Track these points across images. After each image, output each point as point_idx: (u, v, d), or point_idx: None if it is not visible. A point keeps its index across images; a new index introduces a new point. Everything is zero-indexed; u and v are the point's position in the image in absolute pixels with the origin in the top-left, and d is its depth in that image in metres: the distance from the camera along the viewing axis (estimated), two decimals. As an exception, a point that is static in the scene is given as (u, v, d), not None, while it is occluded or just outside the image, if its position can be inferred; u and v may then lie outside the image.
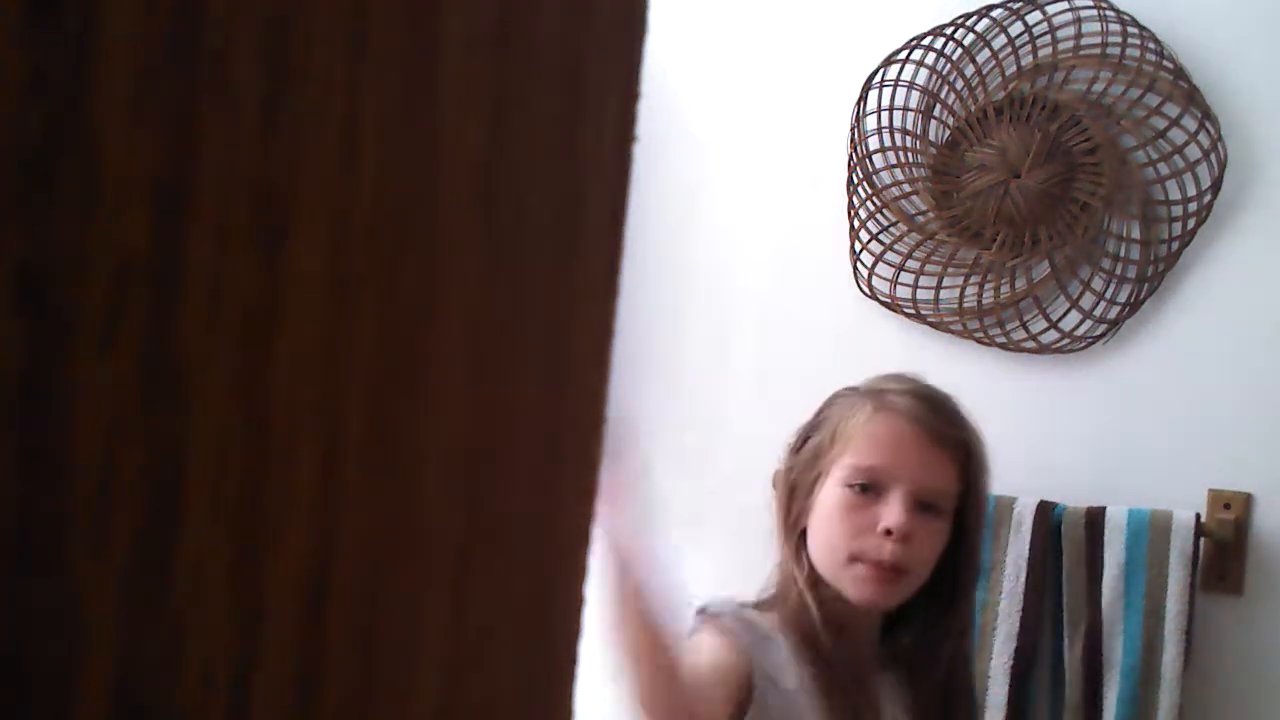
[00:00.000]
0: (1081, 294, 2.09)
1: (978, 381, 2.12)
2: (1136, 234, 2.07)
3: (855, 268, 2.20)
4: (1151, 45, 2.06)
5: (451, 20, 0.27)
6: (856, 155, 2.21)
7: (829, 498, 1.51)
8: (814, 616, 1.48)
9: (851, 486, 1.50)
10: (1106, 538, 1.95)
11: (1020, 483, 2.02)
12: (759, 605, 1.55)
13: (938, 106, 2.17)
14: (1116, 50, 2.08)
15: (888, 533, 1.46)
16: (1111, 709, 1.92)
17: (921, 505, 1.49)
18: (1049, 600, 1.98)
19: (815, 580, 1.50)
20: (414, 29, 0.27)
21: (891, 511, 1.47)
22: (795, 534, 1.54)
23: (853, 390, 1.60)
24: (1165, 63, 2.06)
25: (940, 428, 1.52)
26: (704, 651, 1.46)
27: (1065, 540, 1.98)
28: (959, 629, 1.57)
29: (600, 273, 0.31)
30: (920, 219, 2.18)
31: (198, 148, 0.24)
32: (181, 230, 0.24)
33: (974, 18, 2.15)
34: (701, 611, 1.51)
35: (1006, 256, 2.12)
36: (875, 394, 1.55)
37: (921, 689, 1.53)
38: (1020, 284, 2.13)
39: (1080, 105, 2.09)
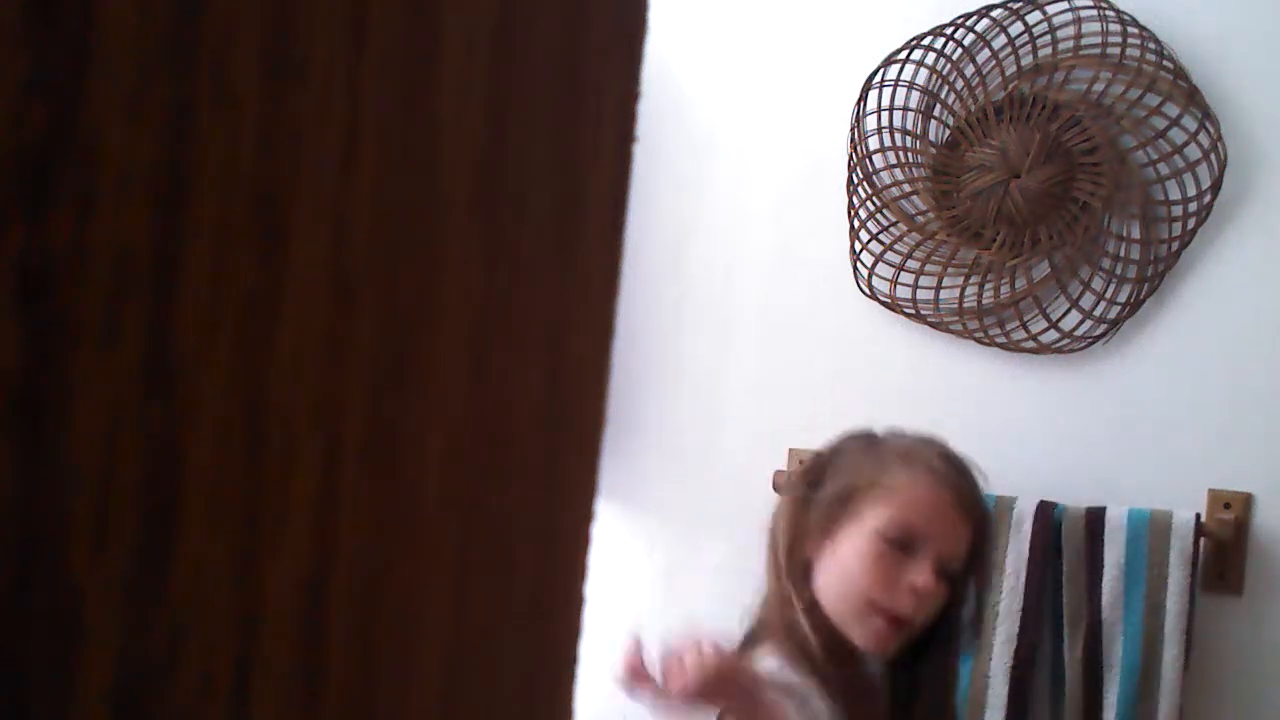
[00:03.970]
0: (1081, 294, 2.09)
1: (978, 381, 2.12)
2: (1136, 234, 2.07)
3: (855, 268, 2.20)
4: (1151, 45, 2.06)
5: (451, 20, 0.27)
6: (856, 155, 2.21)
7: (858, 544, 1.52)
8: (815, 647, 1.50)
9: (888, 539, 1.51)
10: (1106, 538, 1.95)
11: (1020, 483, 2.02)
12: (755, 637, 1.55)
13: (938, 106, 2.17)
14: (1116, 50, 2.08)
15: (914, 591, 1.49)
16: (1111, 709, 1.92)
17: (940, 569, 1.52)
18: (1049, 600, 1.98)
19: (815, 612, 1.51)
20: (414, 29, 0.27)
21: (922, 573, 1.51)
22: (799, 565, 1.54)
23: (872, 439, 1.60)
24: (1165, 63, 2.06)
25: (972, 500, 1.58)
26: None
27: (1065, 540, 1.98)
28: (944, 683, 1.60)
29: (600, 273, 0.31)
30: (920, 219, 2.18)
31: (197, 147, 0.24)
32: (181, 230, 0.24)
33: (974, 18, 2.15)
34: None
35: (1006, 256, 2.12)
36: (918, 456, 1.57)
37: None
38: (1020, 284, 2.13)
39: (1080, 105, 2.09)
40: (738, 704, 1.42)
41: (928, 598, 1.51)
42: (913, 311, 2.17)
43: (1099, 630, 1.94)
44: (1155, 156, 2.06)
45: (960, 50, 2.16)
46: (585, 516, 0.31)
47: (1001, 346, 2.13)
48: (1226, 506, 1.97)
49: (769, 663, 1.50)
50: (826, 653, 1.49)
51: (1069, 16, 2.11)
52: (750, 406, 2.25)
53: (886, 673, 1.56)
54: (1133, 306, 2.06)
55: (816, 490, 1.57)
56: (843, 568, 1.52)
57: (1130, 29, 2.07)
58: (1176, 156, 2.05)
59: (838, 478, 1.57)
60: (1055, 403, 2.09)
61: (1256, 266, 2.01)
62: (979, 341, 2.14)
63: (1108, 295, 2.07)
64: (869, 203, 2.20)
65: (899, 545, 1.51)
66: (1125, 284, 2.07)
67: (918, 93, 2.19)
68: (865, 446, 1.60)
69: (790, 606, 1.52)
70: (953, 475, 1.56)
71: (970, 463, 1.60)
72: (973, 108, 2.14)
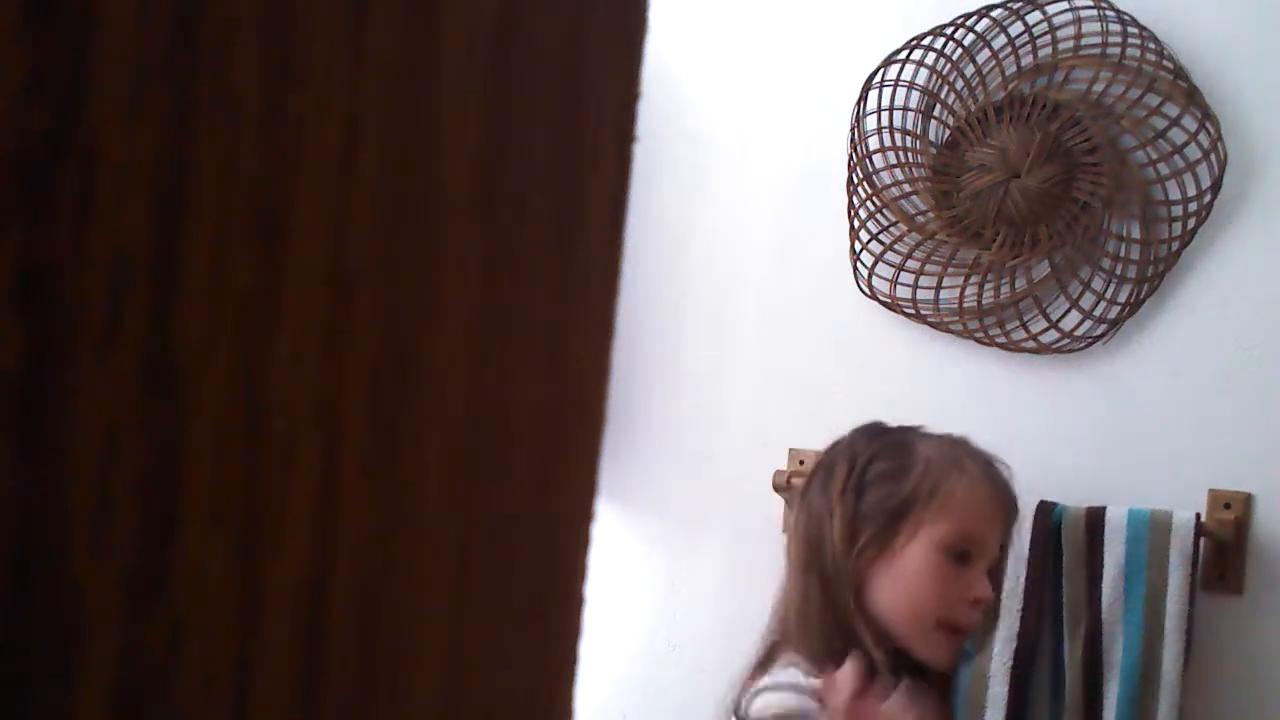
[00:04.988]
0: (1081, 294, 2.09)
1: (978, 381, 2.12)
2: (1136, 234, 2.07)
3: (855, 268, 2.20)
4: (1151, 45, 2.06)
5: (451, 20, 0.27)
6: (856, 155, 2.21)
7: (922, 559, 1.49)
8: (881, 665, 1.47)
9: (951, 552, 1.50)
10: (1106, 538, 1.95)
11: (1020, 482, 2.01)
12: (775, 648, 1.53)
13: (938, 106, 2.17)
14: (1116, 50, 2.08)
15: (976, 602, 1.50)
16: (1111, 709, 1.92)
17: (987, 572, 1.54)
18: (1049, 600, 1.98)
19: (876, 628, 1.49)
20: (414, 29, 0.27)
21: (980, 583, 1.51)
22: (853, 581, 1.51)
23: (898, 440, 1.57)
24: (1165, 63, 2.06)
25: (1012, 498, 1.59)
26: None
27: (1065, 540, 1.98)
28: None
29: (600, 273, 0.31)
30: (920, 219, 2.18)
31: (197, 147, 0.24)
32: (181, 230, 0.24)
33: (974, 18, 2.15)
34: None
35: (1006, 256, 2.12)
36: (959, 458, 1.55)
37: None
38: (1020, 284, 2.13)
39: (1080, 105, 2.09)
40: None
41: (986, 606, 1.53)
42: (913, 311, 2.17)
43: (1099, 630, 1.94)
44: (1155, 156, 2.06)
45: (960, 50, 2.16)
46: (585, 516, 0.31)
47: (1001, 346, 2.13)
48: (1226, 506, 1.97)
49: (787, 698, 1.47)
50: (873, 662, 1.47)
51: (1069, 16, 2.11)
52: (750, 406, 2.24)
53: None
54: (1133, 306, 2.06)
55: (861, 500, 1.53)
56: (908, 585, 1.49)
57: (1130, 29, 2.07)
58: (1176, 156, 2.05)
59: (884, 486, 1.52)
60: (1055, 403, 2.09)
61: (1256, 266, 2.01)
62: (979, 341, 2.14)
63: (1108, 295, 2.07)
64: (869, 203, 2.20)
65: (959, 557, 1.50)
66: (1125, 284, 2.07)
67: (918, 93, 2.19)
68: (900, 449, 1.55)
69: (853, 632, 1.48)
70: (997, 476, 1.57)
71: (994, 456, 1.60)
72: (973, 108, 2.14)
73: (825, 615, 1.49)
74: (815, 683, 1.45)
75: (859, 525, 1.51)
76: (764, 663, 1.52)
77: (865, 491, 1.52)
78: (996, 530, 1.55)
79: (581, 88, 0.30)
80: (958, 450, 1.56)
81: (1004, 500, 1.56)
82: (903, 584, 1.49)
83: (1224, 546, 1.96)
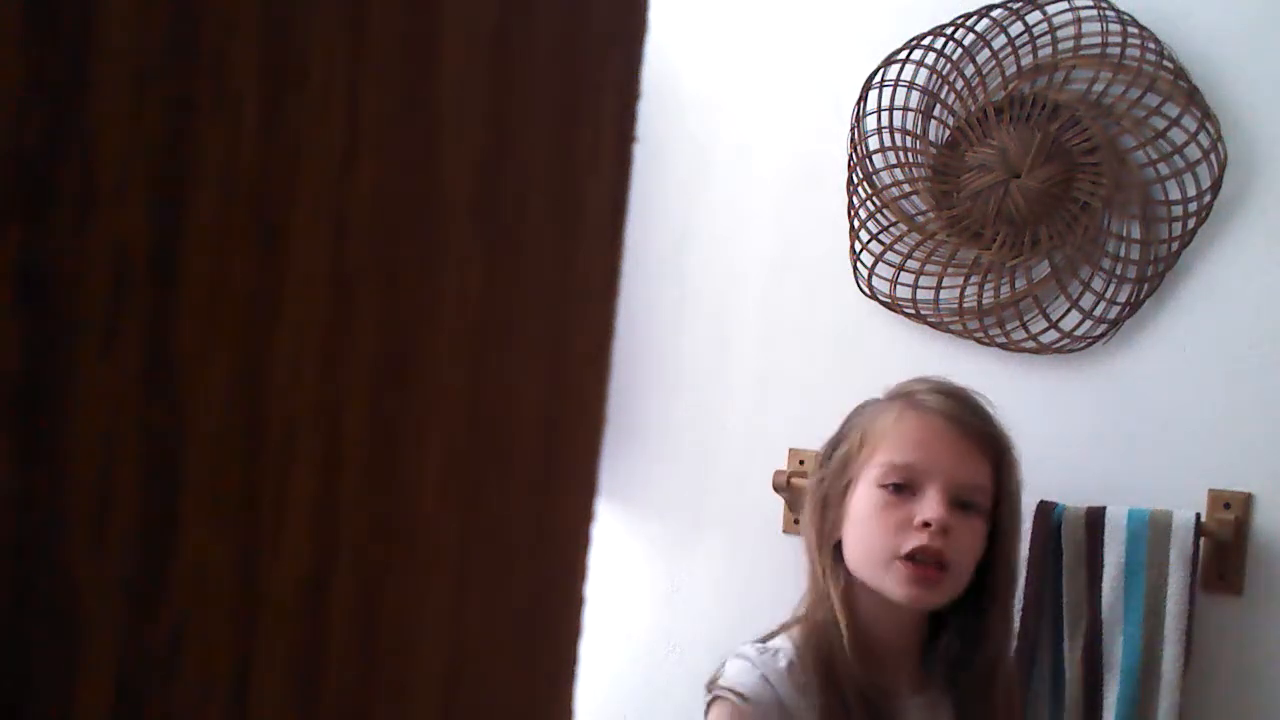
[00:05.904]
0: (1081, 294, 2.09)
1: (978, 381, 2.11)
2: (1136, 234, 2.07)
3: (855, 268, 2.20)
4: (1151, 45, 2.06)
5: (451, 20, 0.27)
6: (856, 155, 2.21)
7: (863, 501, 1.50)
8: (843, 635, 1.46)
9: (885, 486, 1.48)
10: (1106, 538, 1.95)
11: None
12: (784, 627, 1.53)
13: (938, 106, 2.17)
14: (1116, 50, 2.08)
15: (926, 525, 1.45)
16: (1111, 709, 1.92)
17: (957, 502, 1.48)
18: (1049, 600, 1.98)
19: (851, 594, 1.49)
20: (414, 29, 0.26)
21: (929, 505, 1.46)
22: (830, 546, 1.52)
23: (871, 400, 1.60)
24: (1165, 63, 2.06)
25: (971, 421, 1.52)
26: None
27: (1065, 540, 1.98)
28: (999, 637, 1.55)
29: (600, 273, 0.31)
30: (920, 219, 2.18)
31: (197, 148, 0.24)
32: (181, 230, 0.24)
33: (974, 18, 2.15)
34: (723, 688, 1.46)
35: (1006, 256, 2.12)
36: (902, 394, 1.55)
37: (967, 710, 1.51)
38: (1020, 284, 2.13)
39: (1080, 105, 2.09)
40: None
41: (945, 529, 1.46)
42: (913, 311, 2.17)
43: (1099, 630, 1.94)
44: (1155, 156, 2.06)
45: (960, 50, 2.16)
46: (585, 516, 0.31)
47: (1001, 346, 2.13)
48: (1226, 506, 1.97)
49: (782, 659, 1.47)
50: (855, 647, 1.46)
51: (1069, 16, 2.11)
52: (750, 406, 2.24)
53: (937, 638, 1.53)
54: (1133, 306, 2.06)
55: (825, 468, 1.56)
56: (858, 530, 1.49)
57: (1130, 29, 2.07)
58: (1176, 156, 2.05)
59: (837, 448, 1.56)
60: (1055, 403, 2.09)
61: (1256, 266, 2.01)
62: (979, 341, 2.14)
63: (1108, 295, 2.07)
64: (869, 203, 2.20)
65: (901, 489, 1.48)
66: (1125, 284, 2.07)
67: (918, 93, 2.18)
68: (859, 410, 1.59)
69: (825, 597, 1.49)
70: (945, 403, 1.52)
71: (969, 390, 1.56)
72: (973, 108, 2.14)
73: (816, 584, 1.51)
74: (784, 645, 1.46)
75: (822, 492, 1.53)
76: (767, 636, 1.53)
77: (830, 460, 1.55)
78: (951, 457, 1.49)
79: (581, 88, 0.30)
80: (906, 387, 1.56)
81: (954, 424, 1.50)
82: (856, 529, 1.50)
83: (1224, 546, 1.96)
